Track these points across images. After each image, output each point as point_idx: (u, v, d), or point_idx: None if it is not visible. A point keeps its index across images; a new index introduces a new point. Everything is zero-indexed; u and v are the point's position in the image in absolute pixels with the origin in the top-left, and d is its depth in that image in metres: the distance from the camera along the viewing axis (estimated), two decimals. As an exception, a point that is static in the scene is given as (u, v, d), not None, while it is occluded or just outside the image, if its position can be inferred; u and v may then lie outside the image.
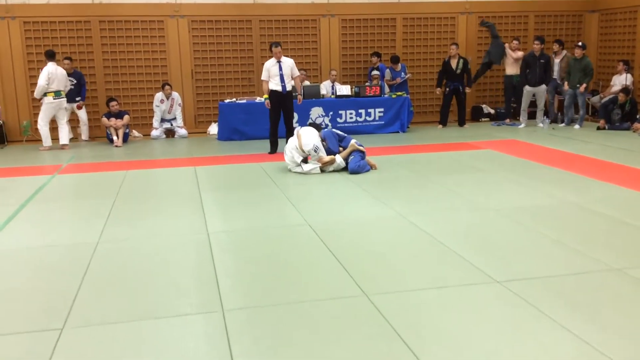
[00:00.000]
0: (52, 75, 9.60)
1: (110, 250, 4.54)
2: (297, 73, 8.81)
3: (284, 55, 8.82)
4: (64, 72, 9.91)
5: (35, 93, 9.76)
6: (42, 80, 9.52)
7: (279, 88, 8.60)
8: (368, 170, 7.24)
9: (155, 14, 10.99)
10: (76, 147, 10.14)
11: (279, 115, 8.80)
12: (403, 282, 3.75)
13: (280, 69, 8.55)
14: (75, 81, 10.32)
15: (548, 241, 4.47)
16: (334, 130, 7.81)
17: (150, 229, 5.09)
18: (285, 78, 8.60)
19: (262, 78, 8.75)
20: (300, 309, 3.39)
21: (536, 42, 10.99)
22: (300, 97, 8.97)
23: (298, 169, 7.26)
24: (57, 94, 9.73)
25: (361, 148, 7.33)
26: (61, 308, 3.46)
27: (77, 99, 10.44)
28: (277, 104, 8.69)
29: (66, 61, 10.25)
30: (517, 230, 4.79)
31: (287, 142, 7.57)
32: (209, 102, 11.48)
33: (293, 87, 8.91)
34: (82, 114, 10.60)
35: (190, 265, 4.17)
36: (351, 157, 7.25)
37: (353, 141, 7.36)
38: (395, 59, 11.27)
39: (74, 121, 10.65)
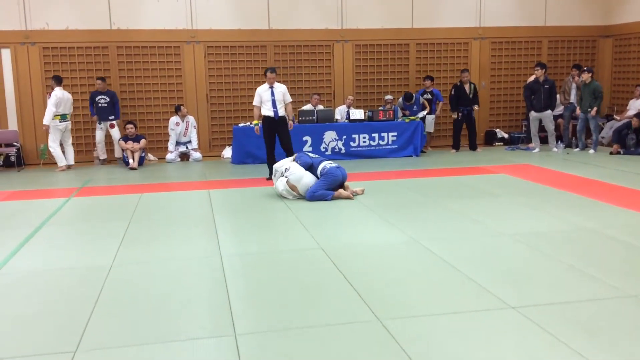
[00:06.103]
0: (60, 99, 10.02)
1: (123, 273, 4.56)
2: (289, 99, 8.75)
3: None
4: (70, 96, 10.32)
5: (45, 119, 10.01)
6: (51, 105, 9.96)
7: (271, 113, 8.58)
8: (328, 199, 7.01)
9: (171, 40, 11.17)
10: (92, 170, 10.25)
11: (274, 140, 8.76)
12: (416, 308, 3.71)
13: (273, 94, 8.54)
14: (108, 99, 10.54)
15: (564, 267, 4.41)
16: (308, 154, 7.67)
17: (163, 252, 5.11)
18: (277, 104, 8.55)
19: (254, 103, 8.71)
20: (312, 333, 3.37)
21: (537, 68, 11.01)
22: (291, 123, 8.87)
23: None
24: (63, 117, 10.15)
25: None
26: (74, 331, 3.47)
27: (111, 117, 10.64)
28: (270, 130, 8.66)
29: (98, 81, 10.54)
30: (532, 255, 4.74)
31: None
32: (223, 126, 11.58)
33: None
34: (115, 133, 10.71)
35: (203, 288, 4.17)
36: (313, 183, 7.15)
37: (322, 165, 7.22)
38: (408, 97, 11.24)
39: (110, 143, 10.94)
